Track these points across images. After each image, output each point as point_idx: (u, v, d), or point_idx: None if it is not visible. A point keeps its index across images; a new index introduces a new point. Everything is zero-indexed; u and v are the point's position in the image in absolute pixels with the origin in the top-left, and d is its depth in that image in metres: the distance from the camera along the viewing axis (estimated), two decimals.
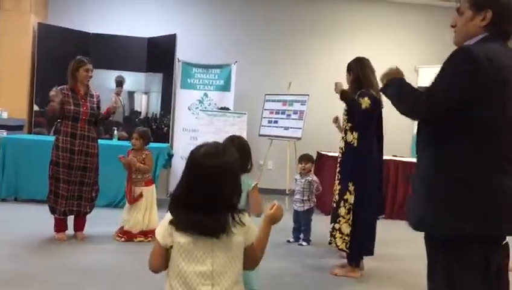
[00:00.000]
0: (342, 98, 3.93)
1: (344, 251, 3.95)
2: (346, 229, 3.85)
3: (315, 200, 5.07)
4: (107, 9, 8.03)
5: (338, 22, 8.41)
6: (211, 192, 1.66)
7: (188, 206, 1.67)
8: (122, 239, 4.62)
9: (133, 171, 4.66)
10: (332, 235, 3.95)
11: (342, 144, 3.99)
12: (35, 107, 7.36)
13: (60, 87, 4.50)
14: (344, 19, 8.42)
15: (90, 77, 4.56)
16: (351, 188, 3.84)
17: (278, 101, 7.47)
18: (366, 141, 3.86)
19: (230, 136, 2.81)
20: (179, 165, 6.96)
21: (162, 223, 1.73)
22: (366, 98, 3.77)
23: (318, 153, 7.19)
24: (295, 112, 7.16)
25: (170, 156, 6.70)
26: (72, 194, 4.50)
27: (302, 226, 5.01)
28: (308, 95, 7.03)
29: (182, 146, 7.27)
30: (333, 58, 8.02)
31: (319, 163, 6.92)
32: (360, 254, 3.99)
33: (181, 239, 1.66)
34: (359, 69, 3.94)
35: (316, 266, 4.23)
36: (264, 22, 8.30)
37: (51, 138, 4.70)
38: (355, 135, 3.86)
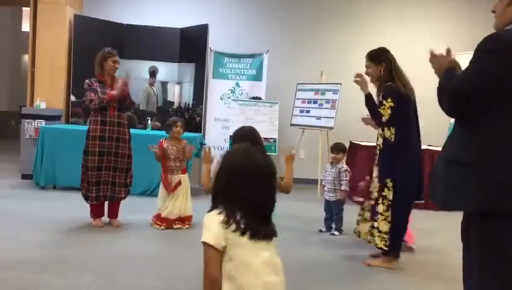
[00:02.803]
0: (366, 104, 3.89)
1: (383, 249, 3.88)
2: (385, 226, 3.78)
3: (348, 189, 5.02)
4: (141, 1, 8.12)
5: (372, 10, 8.25)
6: (269, 192, 1.73)
7: (245, 210, 1.70)
8: (161, 227, 4.71)
9: (172, 160, 4.76)
10: (371, 234, 3.90)
11: (380, 141, 3.89)
12: (72, 98, 7.54)
13: (90, 81, 4.58)
14: (378, 7, 8.25)
15: (116, 68, 4.64)
16: (390, 184, 3.77)
17: (310, 90, 7.41)
18: (404, 136, 3.77)
19: (242, 127, 2.81)
20: (212, 154, 7.01)
21: (208, 227, 1.72)
22: (389, 100, 3.71)
23: (351, 142, 7.11)
24: (327, 101, 7.09)
25: (202, 145, 6.76)
26: (105, 179, 4.60)
27: (333, 216, 4.98)
28: (340, 83, 6.94)
29: (214, 136, 7.31)
30: (367, 47, 7.87)
31: (352, 153, 6.84)
32: (399, 247, 3.94)
33: (234, 240, 1.71)
34: (392, 60, 3.87)
35: (348, 256, 4.20)
36: (296, 10, 8.23)
37: (86, 127, 4.82)
38: (393, 130, 3.78)
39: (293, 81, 7.68)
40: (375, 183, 3.94)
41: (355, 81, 3.93)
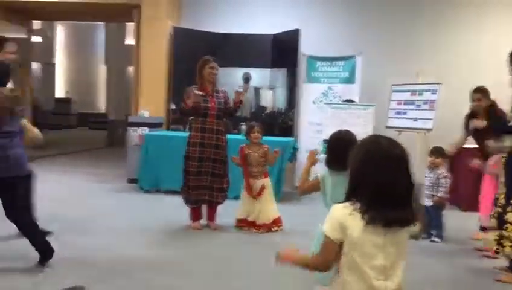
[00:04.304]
0: (500, 131, 3.72)
1: None
2: None
3: (446, 196, 4.77)
4: (235, 10, 8.35)
5: (477, 6, 7.76)
6: (402, 180, 1.68)
7: (377, 198, 1.66)
8: (255, 230, 4.80)
9: (253, 165, 4.85)
10: (500, 244, 3.64)
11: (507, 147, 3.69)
12: (172, 106, 7.95)
13: (191, 88, 4.79)
14: (484, 4, 7.74)
15: (214, 75, 4.80)
16: None
17: (406, 91, 7.13)
18: None
19: (339, 131, 2.75)
20: (304, 158, 7.02)
21: (330, 219, 1.72)
22: None
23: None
24: (425, 102, 6.78)
25: (295, 149, 6.79)
26: (204, 184, 4.78)
27: (432, 222, 4.76)
28: (440, 83, 6.61)
29: (307, 140, 7.31)
30: (472, 46, 7.44)
31: (456, 156, 6.46)
32: None
33: (354, 232, 1.66)
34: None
35: (459, 265, 3.99)
36: (388, 10, 7.98)
37: (186, 134, 5.06)
38: None
39: (387, 82, 7.44)
40: (501, 190, 3.71)
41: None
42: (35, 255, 3.53)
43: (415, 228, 1.74)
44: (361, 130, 6.90)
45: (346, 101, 7.30)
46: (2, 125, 3.27)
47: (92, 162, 9.98)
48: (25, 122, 3.69)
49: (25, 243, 3.53)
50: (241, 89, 4.97)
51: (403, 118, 7.04)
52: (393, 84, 7.31)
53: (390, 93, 7.30)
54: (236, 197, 5.06)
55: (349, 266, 1.69)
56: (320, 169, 2.72)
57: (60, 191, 6.45)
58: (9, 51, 4.20)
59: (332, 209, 1.73)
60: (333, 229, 1.69)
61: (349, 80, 7.50)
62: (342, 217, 1.69)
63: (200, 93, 4.69)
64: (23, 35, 9.19)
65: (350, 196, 1.73)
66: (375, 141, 1.76)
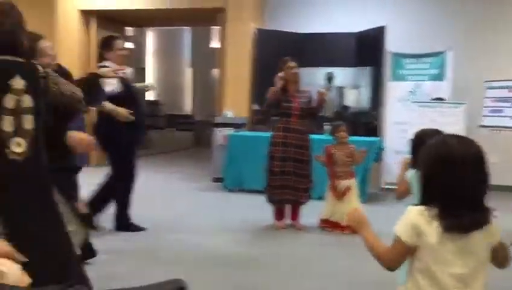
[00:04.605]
0: None
1: None
2: None
3: None
4: (317, 10, 8.28)
5: None
6: (476, 181, 1.60)
7: (451, 203, 1.59)
8: (339, 231, 4.74)
9: (339, 165, 4.78)
10: None
11: None
12: (255, 107, 8.05)
13: (273, 88, 4.85)
14: None
15: (294, 74, 4.79)
16: None
17: (502, 87, 6.67)
18: None
19: (424, 129, 2.61)
20: (390, 158, 6.82)
21: (404, 221, 1.66)
22: None
23: None
24: None
25: (381, 149, 6.61)
26: (287, 183, 4.78)
27: None
28: None
29: (392, 139, 7.08)
30: None
31: None
32: None
33: (431, 239, 1.60)
34: None
35: None
36: (479, 2, 7.50)
37: (269, 134, 5.11)
38: None
39: (480, 78, 7.01)
40: None
41: None
42: (131, 249, 3.74)
43: (497, 233, 1.64)
44: (451, 128, 6.55)
45: (435, 99, 6.98)
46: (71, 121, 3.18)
47: (180, 161, 10.39)
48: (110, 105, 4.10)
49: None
50: (323, 89, 4.94)
51: (499, 116, 6.59)
52: (487, 81, 6.88)
53: (484, 90, 6.87)
54: (321, 198, 5.03)
55: (423, 271, 1.61)
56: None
57: (151, 190, 6.78)
58: (119, 48, 4.51)
59: (408, 211, 1.66)
60: (407, 232, 1.62)
61: (438, 77, 7.16)
62: (417, 222, 1.61)
63: (277, 88, 4.74)
64: None
65: (424, 200, 1.65)
66: (443, 141, 1.66)
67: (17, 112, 2.21)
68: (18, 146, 2.23)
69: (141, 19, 9.81)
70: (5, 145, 2.20)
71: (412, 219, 1.63)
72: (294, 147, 4.75)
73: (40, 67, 2.36)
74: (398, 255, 1.66)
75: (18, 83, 2.22)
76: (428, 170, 1.65)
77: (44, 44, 3.09)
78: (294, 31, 8.03)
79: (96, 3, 8.47)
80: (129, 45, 12.33)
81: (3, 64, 2.21)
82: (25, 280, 1.36)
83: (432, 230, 1.59)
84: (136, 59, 13.36)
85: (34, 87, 2.26)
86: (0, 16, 2.25)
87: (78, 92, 2.46)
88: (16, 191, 2.21)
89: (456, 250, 1.59)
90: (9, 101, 2.20)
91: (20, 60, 2.26)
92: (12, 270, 1.24)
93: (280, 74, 4.82)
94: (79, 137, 2.81)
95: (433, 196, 1.62)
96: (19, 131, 2.23)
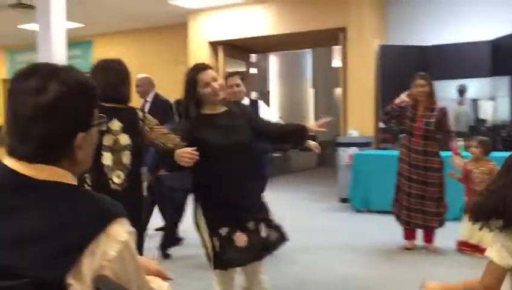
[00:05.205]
0: None
1: None
2: None
3: None
4: (442, 20, 7.90)
5: None
6: None
7: None
8: (479, 255, 4.40)
9: (477, 183, 4.42)
10: None
11: None
12: (381, 125, 7.86)
13: (404, 97, 4.68)
14: None
15: (421, 93, 4.53)
16: None
17: None
18: None
19: None
20: None
21: (495, 244, 1.61)
22: None
23: None
24: None
25: None
26: (414, 207, 4.58)
27: None
28: None
29: None
30: None
31: None
32: None
33: None
34: None
35: None
36: None
37: (396, 152, 4.95)
38: None
39: None
40: None
41: None
42: None
43: None
44: None
45: None
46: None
47: (305, 182, 10.47)
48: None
49: None
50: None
51: None
52: None
53: None
54: (458, 218, 4.73)
55: None
56: None
57: (280, 210, 6.92)
58: (231, 84, 4.71)
59: (495, 234, 1.59)
60: (501, 254, 1.57)
61: None
62: (507, 243, 1.55)
63: (406, 99, 4.58)
64: (243, 69, 10.27)
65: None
66: None
67: (115, 149, 2.65)
68: (118, 178, 2.67)
69: (265, 45, 10.19)
70: (107, 176, 2.65)
71: (503, 240, 1.58)
72: (418, 169, 4.53)
73: (140, 112, 2.84)
74: (495, 280, 1.61)
75: (115, 125, 2.68)
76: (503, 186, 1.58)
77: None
78: (420, 44, 7.73)
79: (223, 35, 9.02)
80: (253, 70, 12.85)
81: (104, 110, 2.54)
82: None
83: None
84: (260, 83, 13.86)
85: (131, 128, 2.72)
86: (108, 71, 2.76)
87: (169, 142, 2.69)
88: None
89: None
90: (108, 139, 2.67)
91: (120, 106, 2.72)
92: (163, 288, 1.35)
93: (408, 92, 4.65)
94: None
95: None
96: (117, 165, 2.67)
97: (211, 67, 2.83)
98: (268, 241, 2.76)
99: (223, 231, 2.65)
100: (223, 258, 2.64)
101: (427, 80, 4.58)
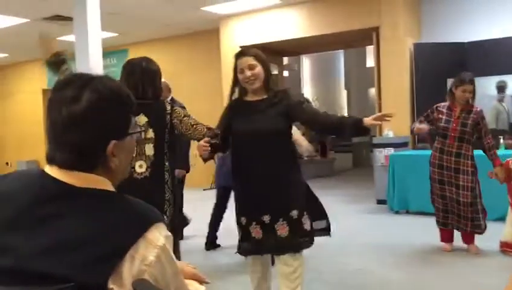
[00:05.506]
0: None
1: None
2: None
3: None
4: (478, 16, 7.68)
5: None
6: None
7: None
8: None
9: None
10: None
11: None
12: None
13: (438, 105, 4.57)
14: None
15: (466, 98, 4.38)
16: None
17: None
18: None
19: None
20: None
21: None
22: None
23: None
24: None
25: None
26: (450, 209, 4.50)
27: None
28: None
29: None
30: None
31: None
32: None
33: None
34: None
35: None
36: None
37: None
38: None
39: None
40: None
41: None
42: None
43: None
44: None
45: None
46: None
47: (342, 183, 10.37)
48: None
49: None
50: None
51: None
52: None
53: None
54: (501, 218, 4.59)
55: None
56: None
57: None
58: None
59: None
60: None
61: None
62: None
63: (424, 128, 4.51)
64: (276, 72, 10.26)
65: None
66: None
67: (138, 142, 2.68)
68: (140, 167, 2.76)
69: (297, 47, 10.17)
70: (130, 165, 2.68)
71: None
72: (450, 171, 4.41)
73: (168, 106, 2.89)
74: None
75: (141, 119, 2.75)
76: None
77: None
78: (456, 41, 7.54)
79: (255, 39, 9.02)
80: (285, 73, 12.84)
81: None
82: None
83: None
84: (293, 85, 13.84)
85: (156, 123, 2.78)
86: (133, 67, 2.88)
87: (197, 133, 2.82)
88: None
89: None
90: None
91: (146, 101, 2.75)
92: None
93: (446, 103, 4.52)
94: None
95: None
96: (141, 155, 2.75)
97: (252, 54, 2.84)
98: (284, 240, 2.77)
99: (243, 220, 2.87)
100: (241, 246, 2.88)
101: (474, 82, 4.41)
